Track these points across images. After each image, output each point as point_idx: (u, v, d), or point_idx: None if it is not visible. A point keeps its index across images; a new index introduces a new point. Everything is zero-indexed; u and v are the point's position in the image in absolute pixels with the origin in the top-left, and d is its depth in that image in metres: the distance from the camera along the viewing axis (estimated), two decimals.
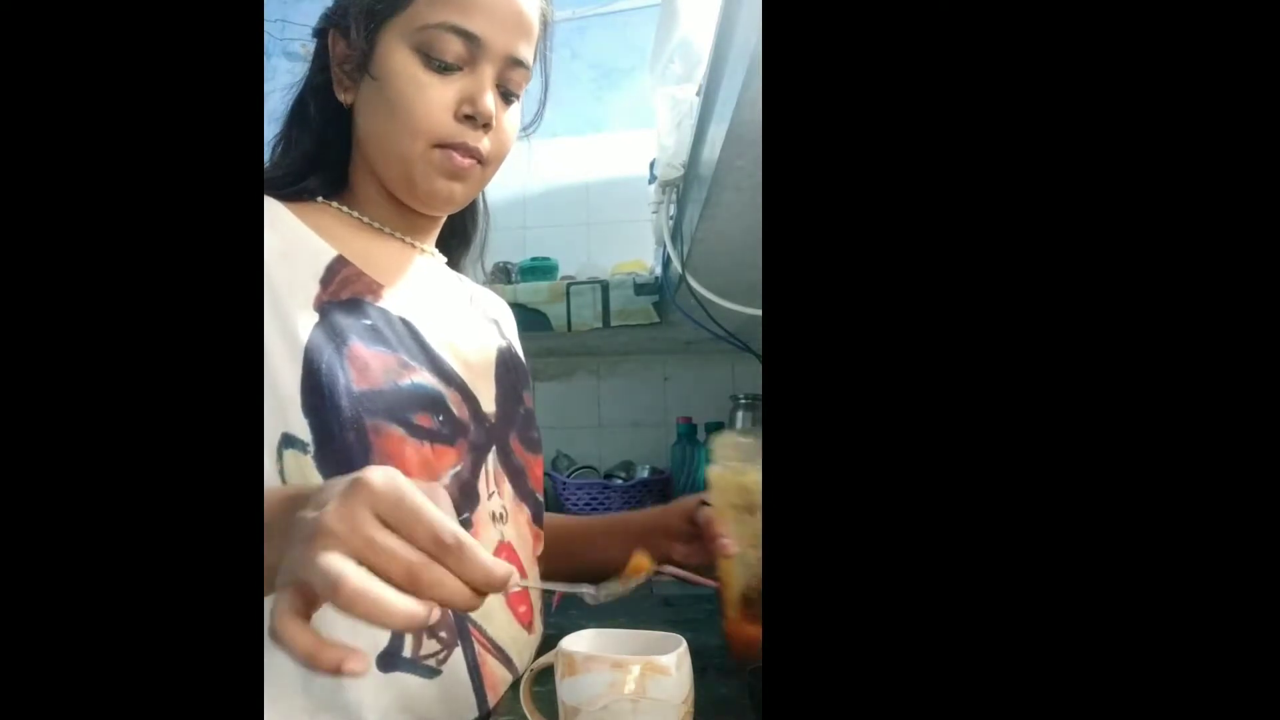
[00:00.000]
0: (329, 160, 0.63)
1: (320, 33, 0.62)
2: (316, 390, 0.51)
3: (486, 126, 0.59)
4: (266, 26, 1.70)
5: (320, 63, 0.63)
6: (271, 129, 0.64)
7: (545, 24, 0.64)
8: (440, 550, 0.33)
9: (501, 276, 1.47)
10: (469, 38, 0.56)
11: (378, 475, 0.34)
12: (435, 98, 0.57)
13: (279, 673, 0.48)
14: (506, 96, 0.61)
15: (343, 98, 0.61)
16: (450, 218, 0.70)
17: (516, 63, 0.59)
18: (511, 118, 0.62)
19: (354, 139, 0.63)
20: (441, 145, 0.58)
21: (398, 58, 0.57)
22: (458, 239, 0.74)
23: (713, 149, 0.73)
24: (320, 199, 0.63)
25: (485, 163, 0.60)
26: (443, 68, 0.57)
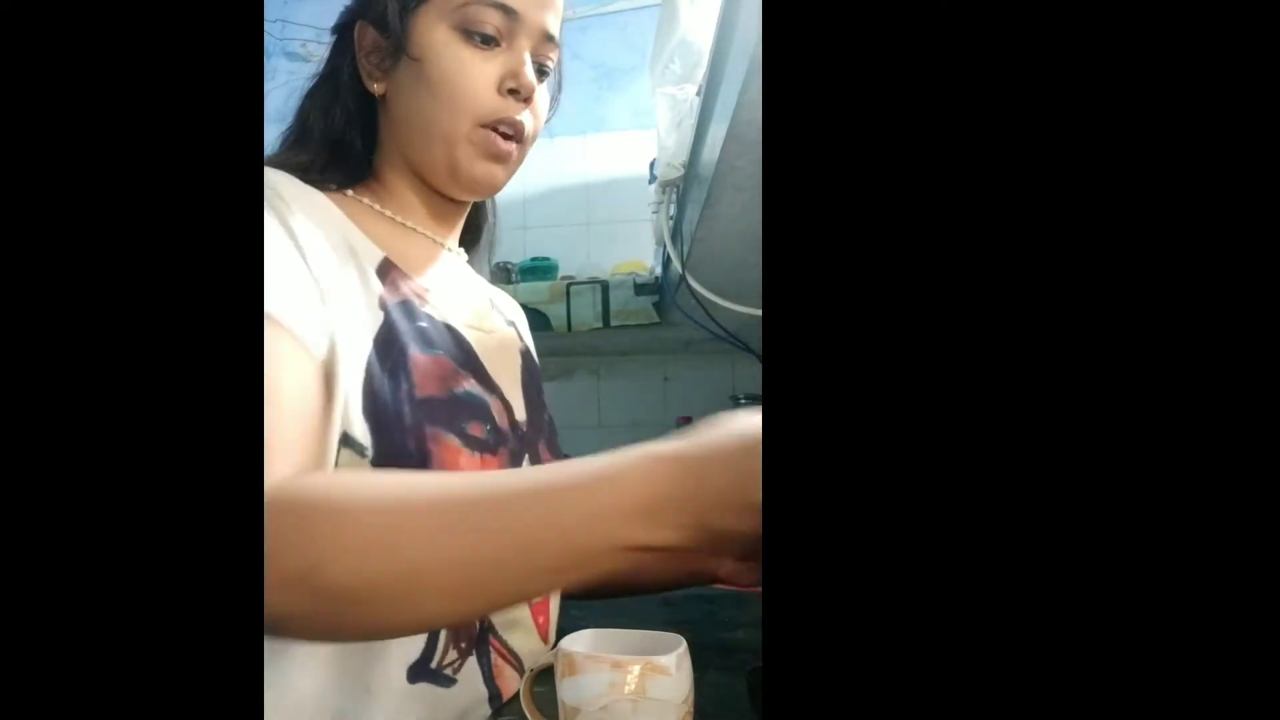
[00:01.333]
0: (353, 150, 0.62)
1: (343, 28, 0.62)
2: (379, 394, 0.50)
3: (528, 100, 0.59)
4: (266, 26, 1.70)
5: (342, 58, 0.62)
6: (272, 129, 0.63)
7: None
8: None
9: (501, 276, 1.47)
10: (507, 12, 0.57)
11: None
12: (478, 73, 0.57)
13: (307, 689, 0.48)
14: (541, 72, 0.61)
15: (374, 88, 0.60)
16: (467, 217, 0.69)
17: (549, 37, 0.60)
18: (543, 97, 0.62)
19: (384, 129, 0.62)
20: (485, 124, 0.58)
21: (438, 36, 0.57)
22: (470, 235, 0.73)
23: (713, 149, 0.73)
24: (350, 192, 0.61)
25: (523, 141, 0.60)
26: (484, 40, 0.57)
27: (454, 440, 0.53)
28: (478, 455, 0.55)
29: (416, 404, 0.52)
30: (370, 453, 0.49)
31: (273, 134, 0.63)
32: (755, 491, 0.33)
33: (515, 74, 0.58)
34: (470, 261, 0.74)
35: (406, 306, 0.56)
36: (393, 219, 0.62)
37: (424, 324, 0.56)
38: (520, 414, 0.63)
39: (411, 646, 0.51)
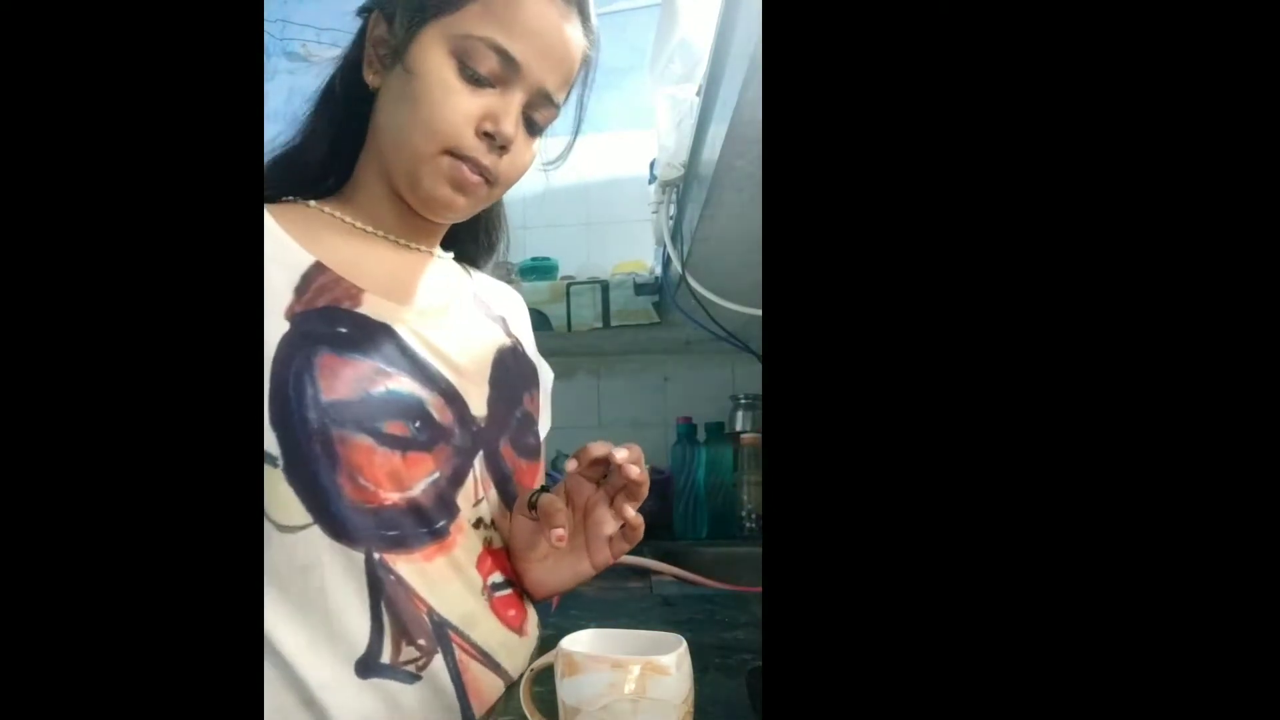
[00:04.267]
0: (347, 149, 0.63)
1: (364, 11, 0.63)
2: (284, 402, 0.51)
3: (503, 149, 0.59)
4: (266, 26, 1.70)
5: (355, 46, 0.63)
6: (271, 128, 0.63)
7: (587, 64, 0.64)
8: None
9: (501, 276, 1.46)
10: (507, 59, 0.57)
11: None
12: (460, 106, 0.57)
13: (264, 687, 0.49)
14: (530, 127, 0.61)
15: (370, 80, 0.61)
16: (470, 222, 0.69)
17: (546, 97, 0.60)
18: (531, 148, 0.62)
19: (371, 125, 0.62)
20: (453, 154, 0.58)
21: (433, 57, 0.57)
22: (470, 243, 0.74)
23: (713, 149, 0.73)
24: (313, 203, 0.62)
25: (493, 183, 0.60)
26: (474, 79, 0.57)
27: (365, 440, 0.53)
28: (397, 453, 0.55)
29: (323, 407, 0.52)
30: (280, 461, 0.50)
31: (273, 134, 0.63)
32: None
33: (496, 120, 0.57)
34: (474, 263, 0.74)
35: (327, 312, 0.56)
36: (356, 227, 0.62)
37: (344, 328, 0.56)
38: (479, 409, 0.62)
39: (353, 643, 0.51)
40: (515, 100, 0.58)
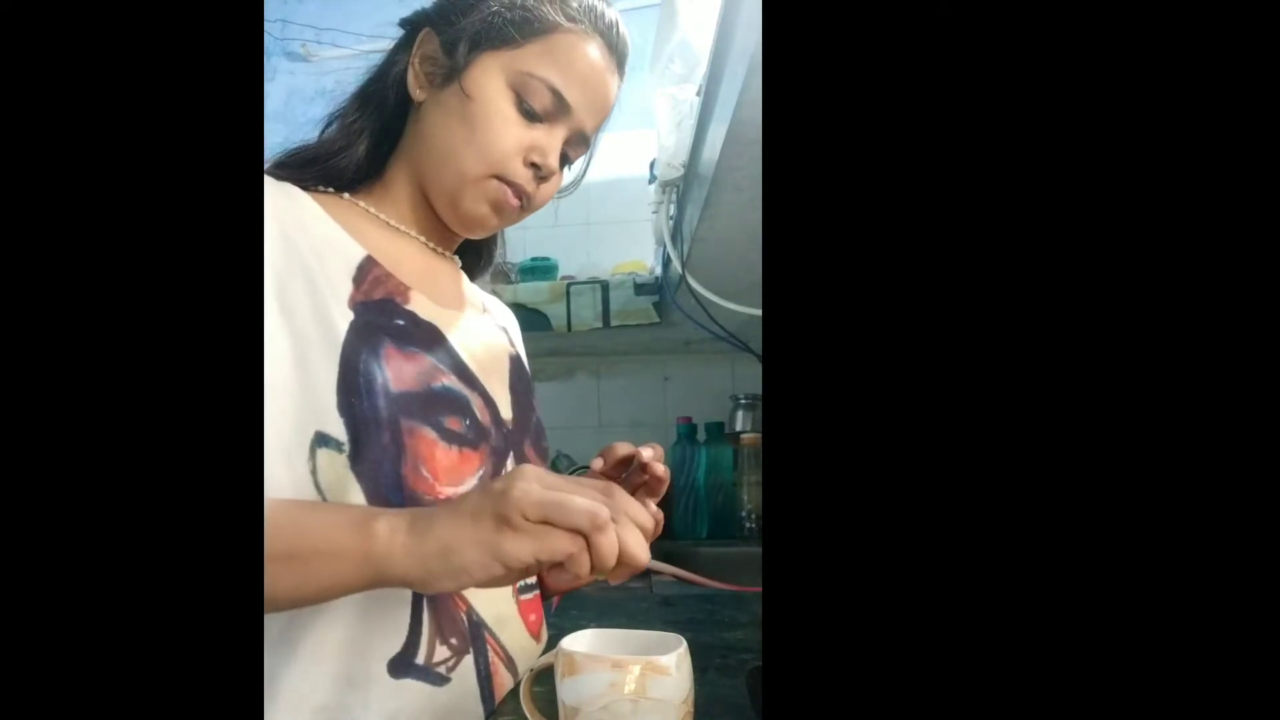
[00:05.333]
0: (370, 148, 0.64)
1: (411, 26, 0.65)
2: (354, 390, 0.51)
3: (545, 179, 0.63)
4: (266, 26, 1.70)
5: (399, 55, 0.65)
6: (272, 128, 0.64)
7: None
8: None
9: (501, 277, 1.46)
10: (561, 100, 0.61)
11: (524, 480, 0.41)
12: (514, 136, 0.60)
13: (285, 681, 0.48)
14: (562, 160, 0.65)
15: (416, 94, 0.63)
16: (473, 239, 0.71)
17: (583, 137, 0.64)
18: (560, 178, 0.66)
19: (409, 134, 0.64)
20: (500, 178, 0.61)
21: (493, 86, 0.60)
22: (473, 255, 0.76)
23: (713, 149, 0.73)
24: (347, 195, 0.64)
25: (525, 208, 0.64)
26: (529, 113, 0.61)
27: (430, 433, 0.54)
28: (455, 449, 0.56)
29: (392, 398, 0.52)
30: (347, 448, 0.50)
31: (273, 134, 0.64)
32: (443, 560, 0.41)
33: (544, 153, 0.61)
34: (470, 274, 0.75)
35: (385, 304, 0.57)
36: (386, 222, 0.64)
37: (402, 321, 0.57)
38: (506, 412, 0.64)
39: (391, 640, 0.51)
40: (559, 136, 0.62)
